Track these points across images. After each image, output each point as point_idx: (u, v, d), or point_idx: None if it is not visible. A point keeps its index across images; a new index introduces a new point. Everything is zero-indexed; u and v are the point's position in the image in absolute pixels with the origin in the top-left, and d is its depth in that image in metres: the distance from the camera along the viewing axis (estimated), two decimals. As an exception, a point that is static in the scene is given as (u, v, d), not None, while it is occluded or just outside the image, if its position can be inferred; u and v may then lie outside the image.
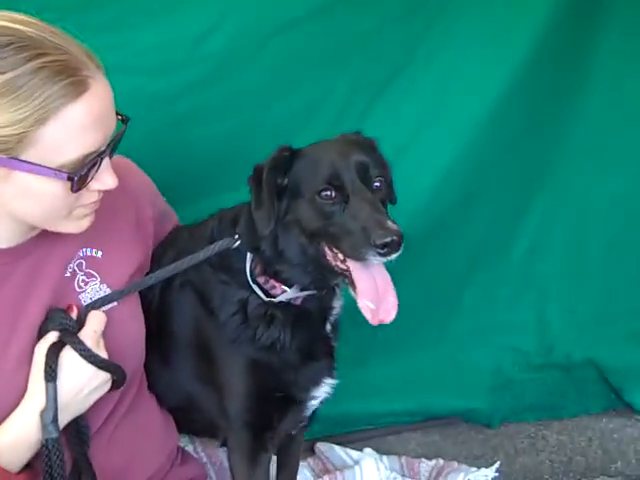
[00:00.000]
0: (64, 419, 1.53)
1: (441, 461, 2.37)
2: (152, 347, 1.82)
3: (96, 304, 1.63)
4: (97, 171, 1.46)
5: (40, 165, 1.36)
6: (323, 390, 1.89)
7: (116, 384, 1.61)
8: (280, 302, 1.78)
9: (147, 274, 1.82)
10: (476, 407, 2.97)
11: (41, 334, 1.56)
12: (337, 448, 2.46)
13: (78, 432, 1.60)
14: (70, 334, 1.55)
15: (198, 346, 1.86)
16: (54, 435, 1.50)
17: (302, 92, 2.48)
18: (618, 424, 3.05)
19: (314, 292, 1.80)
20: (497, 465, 2.35)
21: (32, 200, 1.43)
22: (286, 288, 1.77)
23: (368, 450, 2.40)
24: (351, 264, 1.65)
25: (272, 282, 1.78)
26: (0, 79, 1.30)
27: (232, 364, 1.81)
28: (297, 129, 2.47)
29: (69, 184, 1.40)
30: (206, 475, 2.08)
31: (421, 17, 2.51)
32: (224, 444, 1.90)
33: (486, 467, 2.32)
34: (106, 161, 1.48)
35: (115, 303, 1.68)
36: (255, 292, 1.79)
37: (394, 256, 1.58)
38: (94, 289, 1.67)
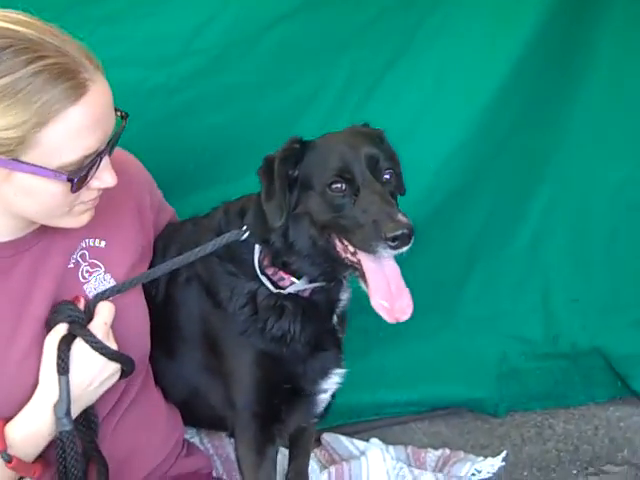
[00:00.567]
0: (75, 410, 1.55)
1: (447, 451, 2.37)
2: (158, 341, 1.82)
3: (104, 295, 1.63)
4: (97, 170, 1.46)
5: (40, 167, 1.37)
6: (333, 381, 1.89)
7: (124, 374, 1.62)
8: (289, 294, 1.78)
9: (151, 267, 1.82)
10: (482, 396, 2.96)
11: (49, 326, 1.56)
12: (343, 438, 2.45)
13: (87, 421, 1.61)
14: (80, 326, 1.56)
15: (205, 339, 1.86)
16: (68, 428, 1.51)
17: (300, 83, 2.47)
18: (625, 412, 3.04)
19: (323, 284, 1.80)
20: (503, 455, 2.35)
21: (32, 199, 1.43)
22: (295, 280, 1.77)
23: (374, 440, 2.40)
24: (362, 256, 1.65)
25: (281, 273, 1.78)
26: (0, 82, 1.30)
27: (241, 356, 1.81)
28: (295, 119, 2.48)
29: (69, 184, 1.41)
30: (212, 467, 2.08)
31: (419, 5, 2.49)
32: (231, 435, 1.90)
33: (492, 457, 2.32)
34: (106, 159, 1.48)
35: (111, 297, 1.67)
36: (264, 284, 1.78)
37: (405, 249, 1.59)
38: (98, 279, 1.68)
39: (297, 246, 1.73)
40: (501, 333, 3.01)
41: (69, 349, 1.52)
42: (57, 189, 1.41)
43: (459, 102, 2.57)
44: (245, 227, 1.78)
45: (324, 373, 1.86)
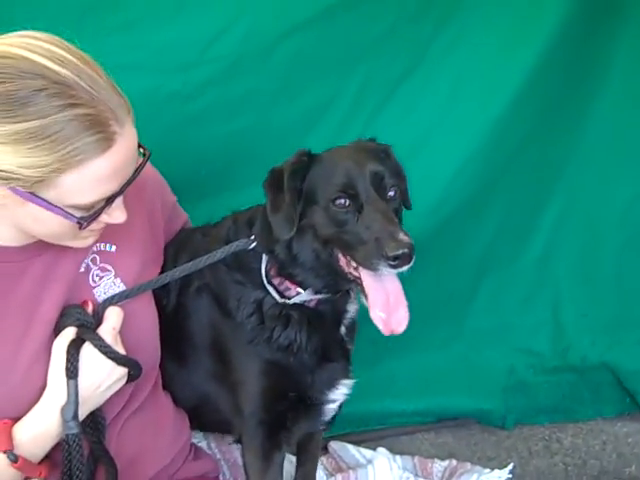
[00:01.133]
0: (83, 413, 1.56)
1: (454, 462, 2.35)
2: (169, 348, 1.84)
3: (113, 299, 1.65)
4: (109, 208, 1.49)
5: (54, 205, 1.39)
6: (340, 392, 1.89)
7: (131, 378, 1.63)
8: (294, 303, 1.79)
9: (162, 272, 1.84)
10: (489, 408, 2.95)
11: (57, 330, 1.57)
12: (350, 447, 2.44)
13: (95, 423, 1.62)
14: (89, 330, 1.57)
15: (214, 347, 1.87)
16: (75, 431, 1.52)
17: (314, 92, 2.49)
18: (633, 428, 3.01)
19: (327, 296, 1.81)
20: (510, 467, 2.33)
21: (41, 225, 1.46)
22: (300, 290, 1.78)
23: (381, 449, 2.39)
24: (363, 272, 1.66)
25: (287, 283, 1.78)
26: (28, 125, 1.30)
27: (248, 364, 1.82)
28: (309, 129, 2.50)
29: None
30: (219, 471, 2.09)
31: (433, 17, 2.51)
32: (238, 441, 1.91)
33: (499, 469, 2.30)
34: (119, 199, 1.50)
35: (120, 302, 1.68)
36: (270, 293, 1.79)
37: (405, 268, 1.59)
38: (108, 283, 1.69)
39: (301, 258, 1.74)
40: (509, 346, 3.01)
41: (78, 353, 1.53)
42: (66, 223, 1.44)
43: (473, 113, 2.58)
44: (253, 237, 1.79)
45: (331, 384, 1.87)
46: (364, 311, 1.86)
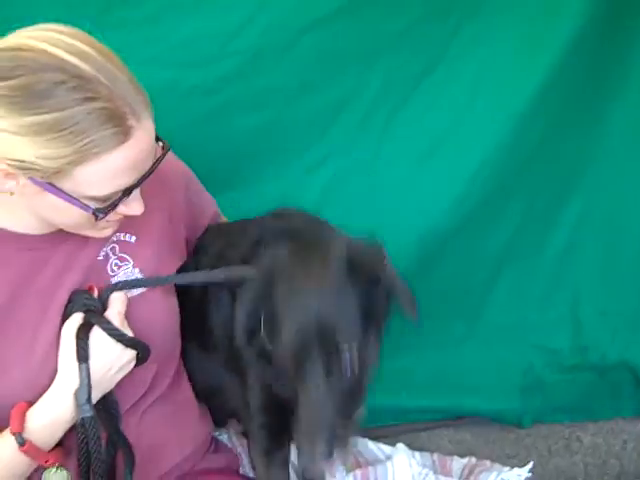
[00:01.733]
0: (95, 397, 1.57)
1: (473, 459, 2.33)
2: (193, 337, 1.86)
3: (117, 287, 1.66)
4: (126, 200, 1.51)
5: (70, 195, 1.41)
6: None
7: (140, 361, 1.65)
8: None
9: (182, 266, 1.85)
10: (505, 407, 2.93)
11: (66, 315, 1.60)
12: (369, 443, 2.42)
13: (107, 407, 1.64)
14: (96, 314, 1.59)
15: (230, 343, 1.85)
16: (89, 414, 1.53)
17: (334, 88, 2.47)
18: (653, 428, 2.99)
19: None
20: (530, 465, 2.32)
21: (61, 214, 1.48)
22: None
23: (400, 445, 2.37)
24: None
25: None
26: (47, 117, 1.32)
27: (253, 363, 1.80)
28: (329, 124, 2.50)
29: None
30: (239, 464, 2.10)
31: (456, 14, 2.48)
32: (245, 435, 1.95)
33: (519, 467, 2.28)
34: (136, 191, 1.52)
35: (137, 290, 1.70)
36: None
37: None
38: (126, 273, 1.70)
39: None
40: (527, 343, 2.97)
41: (88, 337, 1.56)
42: (83, 213, 1.46)
43: (494, 110, 2.55)
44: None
45: None
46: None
